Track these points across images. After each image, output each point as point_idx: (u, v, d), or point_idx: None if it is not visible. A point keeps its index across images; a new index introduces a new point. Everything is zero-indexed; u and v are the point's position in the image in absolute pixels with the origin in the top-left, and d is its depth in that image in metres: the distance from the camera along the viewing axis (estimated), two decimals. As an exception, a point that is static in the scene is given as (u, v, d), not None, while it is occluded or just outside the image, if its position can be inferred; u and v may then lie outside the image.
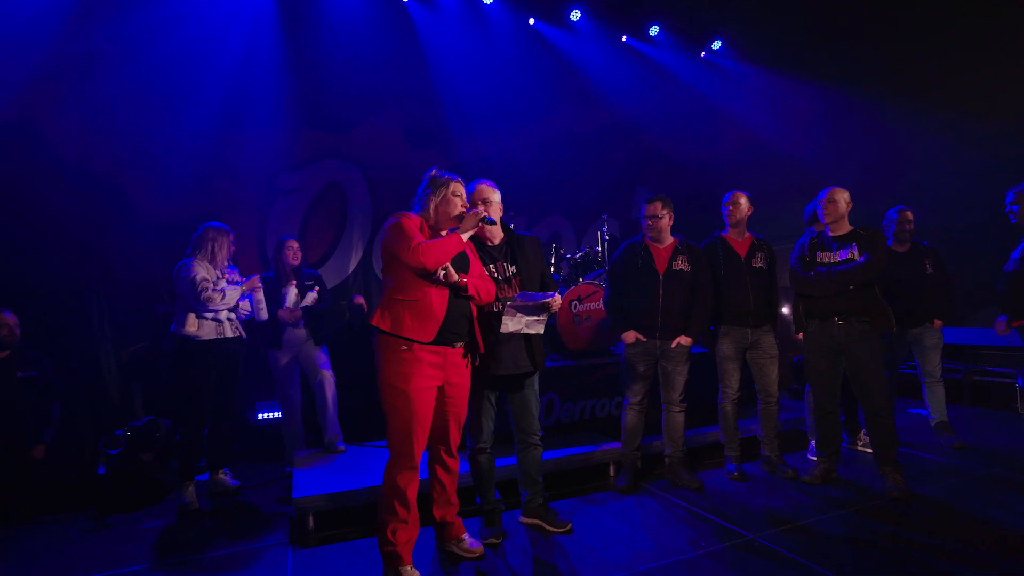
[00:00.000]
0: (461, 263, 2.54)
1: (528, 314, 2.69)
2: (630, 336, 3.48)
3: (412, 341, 2.37)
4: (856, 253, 3.33)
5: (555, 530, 2.89)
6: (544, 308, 2.70)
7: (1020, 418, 4.96)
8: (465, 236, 2.47)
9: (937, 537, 2.69)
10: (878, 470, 3.36)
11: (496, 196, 2.81)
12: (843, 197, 3.40)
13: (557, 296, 2.70)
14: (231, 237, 3.75)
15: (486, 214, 2.53)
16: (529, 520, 2.98)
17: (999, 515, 2.92)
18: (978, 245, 4.51)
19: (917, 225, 4.27)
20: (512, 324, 2.68)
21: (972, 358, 5.72)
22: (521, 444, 2.95)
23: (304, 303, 4.03)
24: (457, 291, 2.48)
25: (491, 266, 2.83)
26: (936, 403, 4.27)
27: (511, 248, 2.91)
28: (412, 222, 2.46)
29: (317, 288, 4.11)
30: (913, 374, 4.53)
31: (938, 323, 4.17)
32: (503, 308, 2.70)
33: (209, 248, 3.63)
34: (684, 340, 3.43)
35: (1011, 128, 5.57)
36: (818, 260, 3.46)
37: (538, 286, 2.90)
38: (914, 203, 4.32)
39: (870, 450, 3.76)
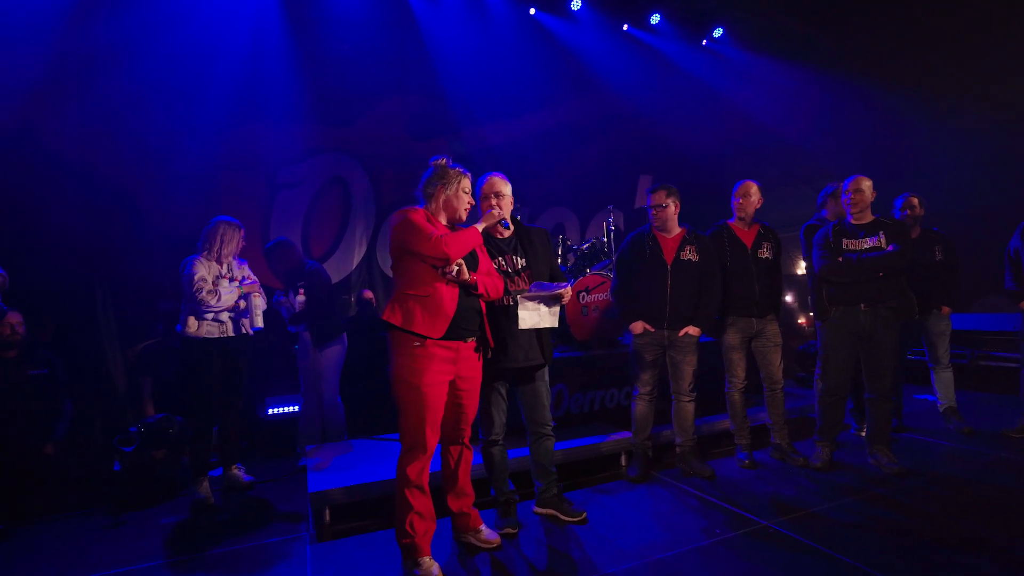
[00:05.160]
0: (469, 259, 2.54)
1: (543, 305, 2.70)
2: (638, 326, 3.49)
3: (424, 337, 2.38)
4: (884, 241, 3.35)
5: (570, 520, 2.91)
6: (557, 299, 2.71)
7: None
8: (481, 230, 2.50)
9: (951, 524, 2.71)
10: (871, 448, 3.50)
11: (508, 189, 2.81)
12: (868, 186, 3.42)
13: (568, 287, 2.70)
14: (242, 232, 3.76)
15: (502, 216, 2.53)
16: (544, 510, 3.00)
17: (1011, 501, 2.94)
18: (981, 231, 4.51)
19: (926, 211, 4.27)
20: (529, 319, 2.68)
21: (977, 343, 5.74)
22: (533, 435, 2.97)
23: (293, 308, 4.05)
24: (467, 288, 2.49)
25: (500, 259, 2.83)
26: (944, 389, 4.29)
27: (520, 241, 2.91)
28: (419, 215, 2.48)
29: (302, 289, 4.06)
30: (917, 360, 4.54)
31: (946, 310, 4.18)
32: (514, 301, 2.70)
33: (218, 241, 3.63)
34: (692, 330, 3.43)
35: (1016, 115, 5.54)
36: (844, 247, 3.46)
37: (547, 279, 2.89)
38: (918, 189, 4.31)
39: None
